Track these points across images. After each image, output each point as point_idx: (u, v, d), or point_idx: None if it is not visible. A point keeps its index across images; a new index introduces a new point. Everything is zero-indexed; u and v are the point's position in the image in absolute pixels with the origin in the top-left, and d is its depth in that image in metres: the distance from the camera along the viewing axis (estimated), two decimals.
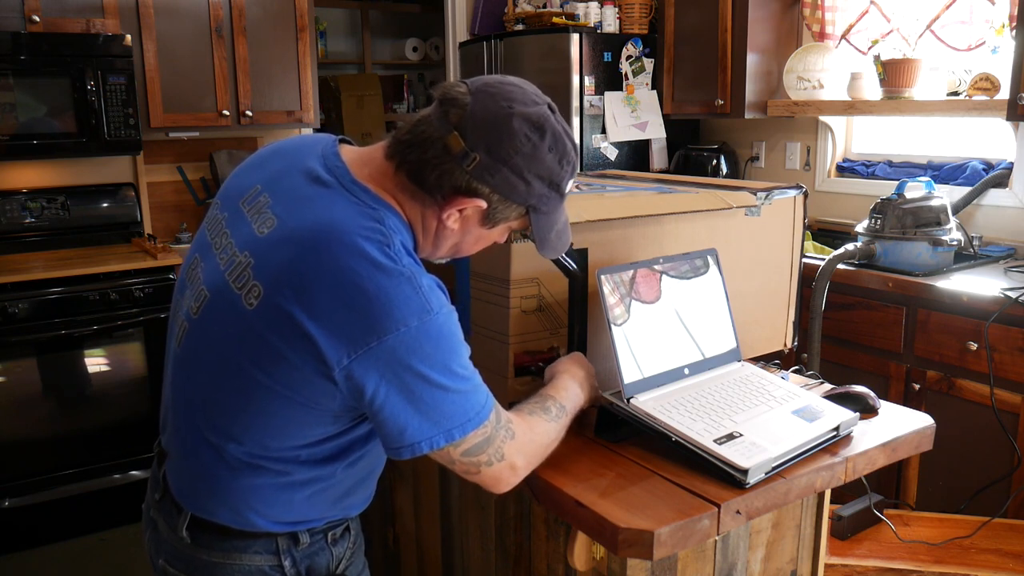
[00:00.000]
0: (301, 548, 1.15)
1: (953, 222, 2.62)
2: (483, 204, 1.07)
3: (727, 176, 3.67)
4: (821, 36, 3.26)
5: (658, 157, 3.81)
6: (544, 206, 1.11)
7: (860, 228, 2.70)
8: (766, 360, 1.70)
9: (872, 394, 1.44)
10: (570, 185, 1.13)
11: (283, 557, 1.14)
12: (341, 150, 1.14)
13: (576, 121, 3.55)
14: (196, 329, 1.11)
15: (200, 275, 1.13)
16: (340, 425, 1.10)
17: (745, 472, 1.13)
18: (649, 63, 3.72)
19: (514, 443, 1.11)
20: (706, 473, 1.17)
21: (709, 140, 3.93)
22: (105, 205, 3.43)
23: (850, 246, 2.65)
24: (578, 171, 1.16)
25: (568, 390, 1.26)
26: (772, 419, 1.27)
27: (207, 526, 1.13)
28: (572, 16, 3.64)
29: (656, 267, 1.38)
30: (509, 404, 1.39)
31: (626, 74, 3.66)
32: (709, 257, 1.47)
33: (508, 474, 1.11)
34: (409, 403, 1.01)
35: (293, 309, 1.00)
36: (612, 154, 3.67)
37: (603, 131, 3.62)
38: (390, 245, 1.03)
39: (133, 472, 3.06)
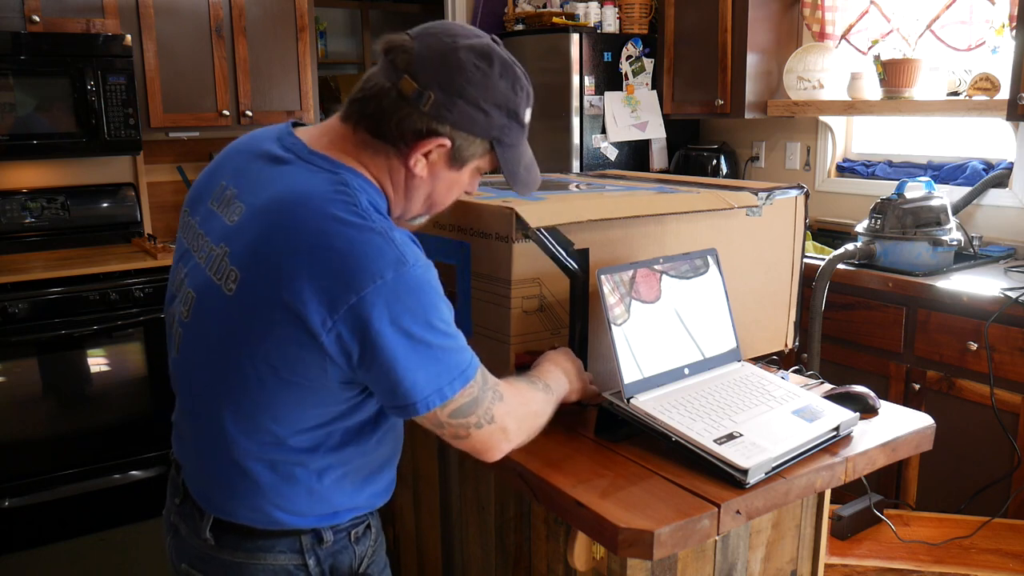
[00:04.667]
0: (325, 546, 1.14)
1: (953, 222, 2.62)
2: (446, 142, 1.07)
3: (727, 176, 3.67)
4: (821, 36, 3.27)
5: (658, 157, 3.81)
6: (507, 137, 1.11)
7: (860, 228, 2.70)
8: (766, 360, 1.71)
9: (872, 394, 1.44)
10: (528, 115, 1.13)
11: (307, 556, 1.13)
12: (296, 130, 1.15)
13: (576, 121, 3.55)
14: (189, 332, 1.11)
15: (186, 281, 1.14)
16: (344, 403, 1.08)
17: (745, 472, 1.13)
18: (649, 63, 3.72)
19: (503, 405, 1.10)
20: (706, 473, 1.17)
21: (709, 140, 3.93)
22: (105, 205, 3.43)
23: (850, 246, 2.65)
24: (532, 100, 1.15)
25: (552, 374, 1.27)
26: (772, 419, 1.27)
27: (231, 527, 1.12)
28: (572, 16, 3.64)
29: (656, 267, 1.38)
30: None
31: (626, 74, 3.66)
32: (709, 257, 1.47)
33: (499, 438, 1.10)
34: (396, 361, 0.99)
35: (270, 284, 0.99)
36: (612, 154, 3.67)
37: (603, 131, 3.62)
38: (357, 204, 1.02)
39: (133, 472, 3.07)
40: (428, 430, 1.08)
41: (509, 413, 1.11)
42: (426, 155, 1.08)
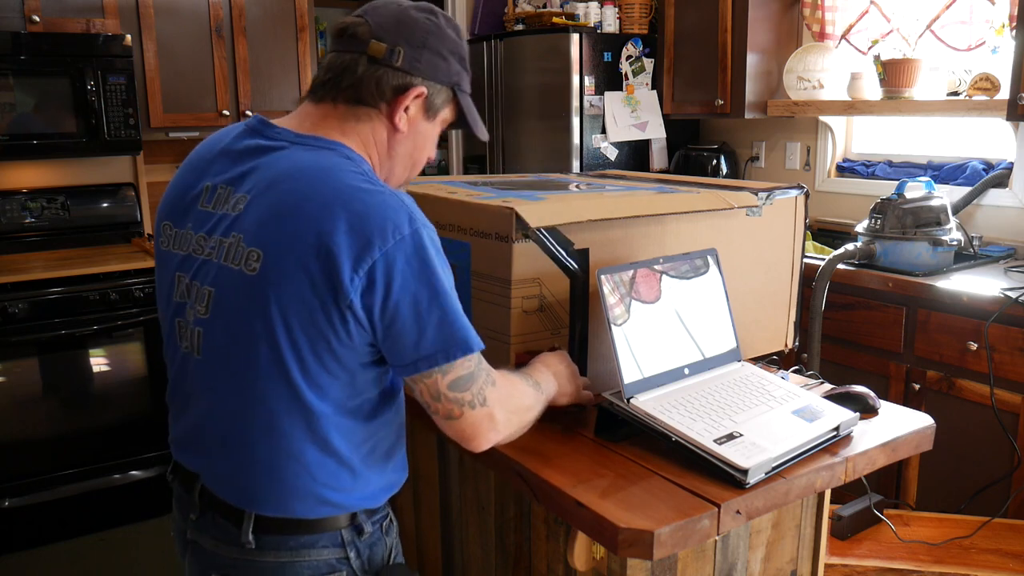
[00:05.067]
0: (363, 538, 1.17)
1: (953, 222, 2.62)
2: (423, 91, 1.16)
3: (727, 176, 3.67)
4: (821, 36, 3.27)
5: (658, 157, 3.81)
6: (464, 84, 1.22)
7: (860, 228, 2.70)
8: (766, 360, 1.71)
9: (872, 394, 1.44)
10: (467, 61, 1.25)
11: (348, 549, 1.16)
12: (273, 121, 1.19)
13: (576, 121, 3.55)
14: (213, 327, 1.11)
15: (194, 284, 1.14)
16: (371, 372, 1.11)
17: (745, 472, 1.13)
18: (649, 63, 3.72)
19: (496, 391, 1.12)
20: (706, 473, 1.18)
21: (709, 140, 3.93)
22: (105, 205, 3.43)
23: (850, 246, 2.65)
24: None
25: (542, 374, 1.28)
26: (772, 419, 1.27)
27: (273, 526, 1.12)
28: (572, 16, 3.64)
29: (656, 267, 1.38)
30: None
31: (626, 74, 3.66)
32: (709, 257, 1.47)
33: (488, 426, 1.11)
34: (411, 317, 1.04)
35: (296, 254, 1.03)
36: (612, 154, 3.67)
37: (603, 131, 3.62)
38: (363, 172, 1.10)
39: (133, 472, 3.07)
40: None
41: (500, 401, 1.13)
42: (406, 109, 1.17)
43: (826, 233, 3.30)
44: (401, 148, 1.20)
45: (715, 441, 1.18)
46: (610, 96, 3.62)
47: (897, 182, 2.69)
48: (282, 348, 1.05)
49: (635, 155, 3.75)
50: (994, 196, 2.85)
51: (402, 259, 1.03)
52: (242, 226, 1.09)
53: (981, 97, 2.68)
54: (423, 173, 5.14)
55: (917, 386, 2.48)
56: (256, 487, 1.12)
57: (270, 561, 1.13)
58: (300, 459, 1.10)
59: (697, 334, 1.41)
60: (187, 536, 1.21)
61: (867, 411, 1.41)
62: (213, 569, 1.16)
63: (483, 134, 1.30)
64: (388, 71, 1.14)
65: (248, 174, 1.12)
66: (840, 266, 2.61)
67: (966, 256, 2.70)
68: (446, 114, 1.23)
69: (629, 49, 3.65)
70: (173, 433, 1.24)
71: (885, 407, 1.44)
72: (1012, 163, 2.82)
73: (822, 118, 3.35)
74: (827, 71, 3.25)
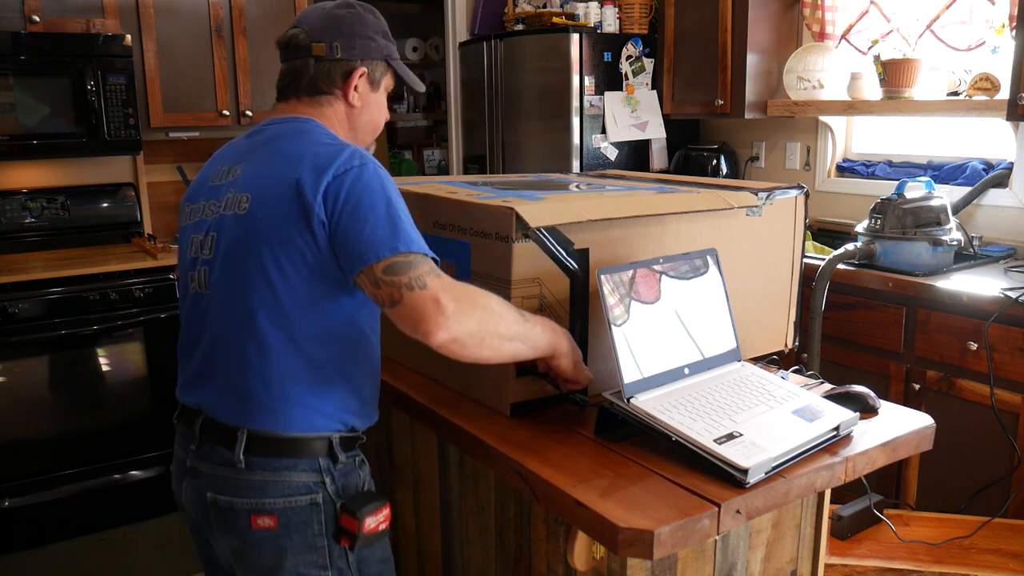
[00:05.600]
0: (338, 468, 1.33)
1: (953, 222, 2.62)
2: (364, 69, 1.43)
3: (727, 176, 3.67)
4: (821, 36, 3.27)
5: (658, 157, 3.81)
6: (393, 54, 1.49)
7: (860, 228, 2.70)
8: (766, 360, 1.71)
9: (872, 394, 1.44)
10: (390, 34, 1.50)
11: (324, 475, 1.32)
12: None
13: (576, 121, 3.55)
14: (214, 263, 1.33)
15: (202, 237, 1.37)
16: (345, 294, 1.29)
17: (745, 472, 1.13)
18: (649, 63, 3.72)
19: (439, 281, 1.20)
20: (706, 473, 1.18)
21: (709, 140, 3.93)
22: (105, 205, 3.43)
23: (850, 246, 2.65)
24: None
25: (533, 316, 1.30)
26: (772, 419, 1.27)
27: (262, 447, 1.29)
28: (572, 16, 3.64)
29: (656, 267, 1.38)
30: (511, 404, 1.40)
31: (626, 74, 3.67)
32: (709, 257, 1.47)
33: (433, 309, 1.17)
34: (361, 219, 1.23)
35: (275, 191, 1.27)
36: (612, 154, 3.67)
37: (603, 131, 3.62)
38: (328, 134, 1.37)
39: (133, 472, 3.07)
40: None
41: (445, 289, 1.19)
42: (355, 88, 1.43)
43: (826, 233, 3.30)
44: (361, 119, 1.47)
45: (715, 441, 1.18)
46: (610, 96, 3.62)
47: (897, 182, 2.69)
48: (268, 269, 1.26)
49: (635, 155, 3.75)
50: (994, 196, 2.85)
51: (350, 179, 1.25)
52: (237, 183, 1.34)
53: (981, 97, 2.68)
54: (423, 172, 5.14)
55: (917, 386, 2.48)
56: (251, 401, 1.30)
57: (256, 479, 1.29)
58: (287, 372, 1.28)
59: (697, 334, 1.41)
60: (187, 465, 1.38)
61: (867, 411, 1.41)
62: (209, 489, 1.33)
63: (419, 86, 1.57)
64: (332, 63, 1.42)
65: (244, 151, 1.40)
66: (840, 266, 2.62)
67: (966, 256, 2.70)
68: (387, 81, 1.50)
69: (629, 49, 3.65)
70: (181, 379, 1.43)
71: (885, 407, 1.44)
72: (1012, 163, 2.82)
73: (822, 118, 3.35)
74: (827, 71, 3.25)
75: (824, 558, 1.49)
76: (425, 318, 1.17)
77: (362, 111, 1.46)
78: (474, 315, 1.20)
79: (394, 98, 5.75)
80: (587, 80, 3.55)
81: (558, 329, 1.32)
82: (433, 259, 1.24)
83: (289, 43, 1.43)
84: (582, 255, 1.39)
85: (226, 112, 3.41)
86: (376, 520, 1.33)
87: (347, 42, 1.41)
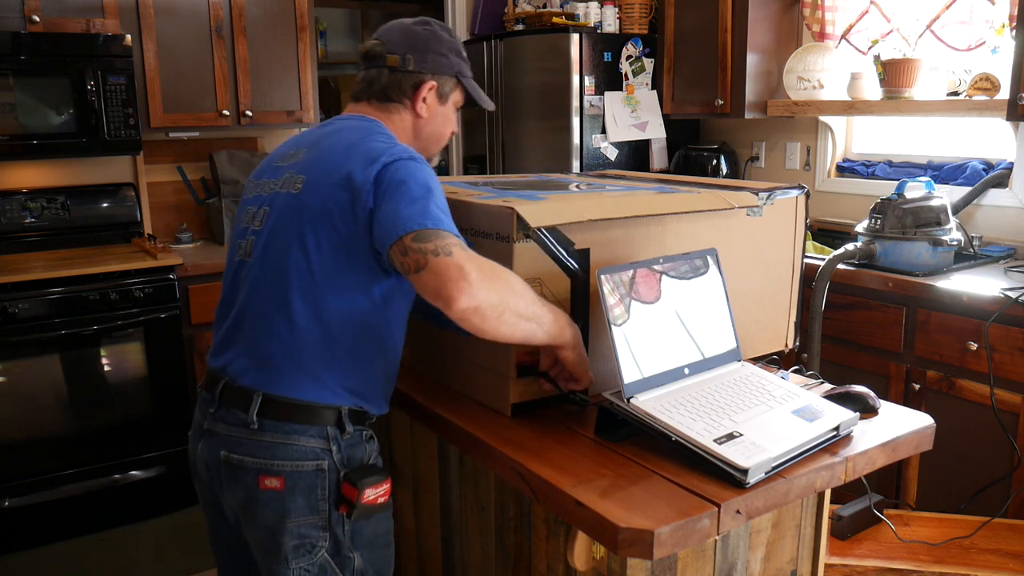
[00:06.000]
0: (345, 438, 1.38)
1: (953, 222, 2.62)
2: (434, 83, 1.52)
3: (727, 176, 3.67)
4: (821, 36, 3.27)
5: (658, 157, 3.81)
6: (464, 71, 1.57)
7: (860, 228, 2.70)
8: (766, 360, 1.71)
9: (872, 394, 1.44)
10: (465, 53, 1.59)
11: (331, 443, 1.37)
12: None
13: (576, 121, 3.55)
14: (261, 235, 1.41)
15: (257, 210, 1.46)
16: (376, 277, 1.35)
17: (745, 472, 1.13)
18: (649, 63, 3.72)
19: (466, 252, 1.23)
20: (706, 473, 1.18)
21: (709, 140, 3.93)
22: (105, 205, 3.43)
23: (850, 246, 2.65)
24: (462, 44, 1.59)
25: (549, 304, 1.32)
26: (772, 419, 1.27)
27: (275, 409, 1.35)
28: (572, 16, 3.64)
29: (656, 267, 1.38)
30: (512, 405, 1.40)
31: (626, 74, 3.67)
32: (709, 257, 1.47)
33: (456, 274, 1.19)
34: (399, 200, 1.28)
35: (328, 179, 1.35)
36: (612, 154, 3.67)
37: (603, 131, 3.62)
38: (386, 134, 1.45)
39: (133, 472, 3.06)
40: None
41: (471, 259, 1.21)
42: (424, 100, 1.52)
43: (826, 233, 3.30)
44: (427, 129, 1.56)
45: (715, 441, 1.18)
46: (610, 96, 3.62)
47: (897, 182, 2.69)
48: (308, 247, 1.34)
49: (635, 155, 3.75)
50: (994, 196, 2.85)
51: (396, 167, 1.32)
52: (296, 166, 1.44)
53: (981, 97, 2.68)
54: None
55: (917, 386, 2.48)
56: (269, 367, 1.37)
57: (267, 440, 1.35)
58: (308, 345, 1.35)
59: (697, 334, 1.41)
60: (204, 427, 1.44)
61: (867, 411, 1.41)
62: (223, 447, 1.39)
63: (489, 105, 1.64)
64: (404, 75, 1.51)
65: (309, 139, 1.49)
66: (840, 266, 2.62)
67: (966, 256, 2.70)
68: (456, 97, 1.58)
69: (629, 49, 3.65)
70: (213, 343, 1.50)
71: (885, 407, 1.44)
72: (1012, 163, 2.82)
73: (822, 118, 3.35)
74: (827, 71, 3.25)
75: (824, 558, 1.49)
76: (448, 283, 1.19)
77: (428, 122, 1.54)
78: (496, 287, 1.21)
79: None
80: (587, 80, 3.55)
81: (569, 321, 1.33)
82: (465, 242, 1.27)
83: (367, 53, 1.53)
84: (583, 255, 1.39)
85: (226, 112, 3.41)
86: (375, 492, 1.37)
87: (420, 56, 1.51)
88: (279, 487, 1.35)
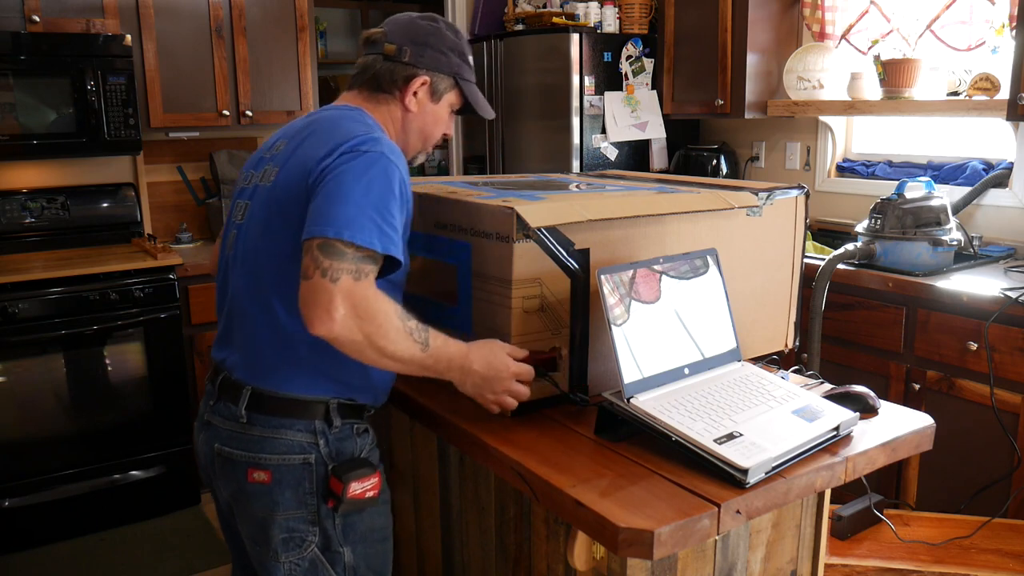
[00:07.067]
0: (333, 432, 1.39)
1: (953, 222, 2.62)
2: (427, 79, 1.48)
3: (727, 176, 3.67)
4: (821, 36, 3.27)
5: (658, 157, 3.81)
6: (465, 74, 1.53)
7: (860, 228, 2.70)
8: (766, 360, 1.71)
9: (872, 394, 1.44)
10: (471, 58, 1.55)
11: (319, 437, 1.38)
12: None
13: (576, 121, 3.55)
14: (243, 228, 1.43)
15: (241, 200, 1.47)
16: None
17: (745, 472, 1.13)
18: (649, 63, 3.72)
19: (356, 285, 1.21)
20: (706, 473, 1.18)
21: (709, 140, 3.93)
22: (105, 205, 3.43)
23: (850, 246, 2.65)
24: (470, 49, 1.56)
25: (451, 348, 1.30)
26: (772, 419, 1.27)
27: (264, 404, 1.36)
28: (572, 16, 3.64)
29: (656, 267, 1.38)
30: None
31: (626, 74, 3.67)
32: (709, 257, 1.47)
33: (326, 305, 1.19)
34: (333, 196, 1.25)
35: (300, 171, 1.33)
36: (612, 154, 3.67)
37: (603, 131, 3.63)
38: (366, 123, 1.40)
39: (133, 472, 3.06)
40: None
41: (352, 296, 1.20)
42: (415, 94, 1.48)
43: (826, 233, 3.30)
44: (414, 125, 1.51)
45: (715, 441, 1.18)
46: (610, 96, 3.62)
47: (897, 182, 2.69)
48: (278, 240, 1.33)
49: (635, 155, 3.75)
50: (994, 196, 2.85)
51: (350, 158, 1.28)
52: (276, 158, 1.43)
53: (981, 97, 2.68)
54: (422, 172, 5.14)
55: (917, 386, 2.48)
56: (258, 361, 1.38)
57: (256, 435, 1.37)
58: (293, 337, 1.33)
59: (697, 334, 1.41)
60: (204, 419, 1.47)
61: (867, 411, 1.41)
62: (216, 440, 1.42)
63: (488, 113, 1.58)
64: (398, 65, 1.47)
65: (293, 130, 1.47)
66: (840, 266, 2.62)
67: (966, 256, 2.70)
68: (451, 98, 1.53)
69: (629, 49, 3.65)
70: (216, 337, 1.51)
71: (885, 407, 1.44)
72: (1012, 163, 2.82)
73: (822, 118, 3.35)
74: (827, 71, 3.25)
75: (824, 558, 1.49)
76: (315, 307, 1.20)
77: (416, 117, 1.50)
78: (363, 329, 1.21)
79: None
80: (587, 80, 3.55)
81: (465, 358, 1.31)
82: (391, 259, 1.26)
83: (369, 39, 1.51)
84: (583, 255, 1.39)
85: (226, 112, 3.41)
86: (362, 486, 1.37)
87: (417, 50, 1.47)
88: (267, 480, 1.36)
